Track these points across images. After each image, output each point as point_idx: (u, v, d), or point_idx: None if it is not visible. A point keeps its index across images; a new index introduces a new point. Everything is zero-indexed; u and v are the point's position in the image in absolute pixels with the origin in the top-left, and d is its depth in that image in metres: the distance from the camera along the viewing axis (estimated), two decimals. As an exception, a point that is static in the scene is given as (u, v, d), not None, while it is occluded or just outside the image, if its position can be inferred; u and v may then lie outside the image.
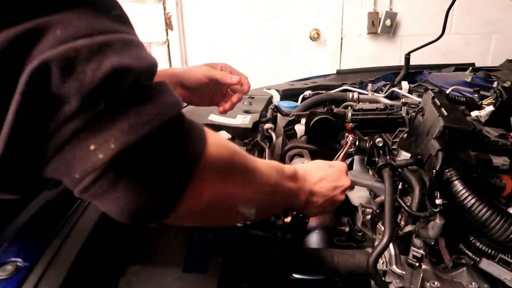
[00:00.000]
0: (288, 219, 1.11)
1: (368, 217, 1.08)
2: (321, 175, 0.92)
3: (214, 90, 1.26)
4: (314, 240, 1.12)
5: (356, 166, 1.17)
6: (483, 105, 1.14)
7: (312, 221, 1.18)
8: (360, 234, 1.09)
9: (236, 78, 1.20)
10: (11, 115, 0.43)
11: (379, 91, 1.83)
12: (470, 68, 2.02)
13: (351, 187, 1.24)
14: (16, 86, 0.42)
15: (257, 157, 0.73)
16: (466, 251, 0.81)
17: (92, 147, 0.45)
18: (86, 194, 0.48)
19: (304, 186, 0.86)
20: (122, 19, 0.52)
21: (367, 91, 1.77)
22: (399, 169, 0.93)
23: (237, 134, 1.34)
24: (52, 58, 0.42)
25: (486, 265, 0.78)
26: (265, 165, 0.72)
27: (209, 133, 0.57)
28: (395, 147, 1.06)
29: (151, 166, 0.49)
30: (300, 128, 1.44)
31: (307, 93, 1.76)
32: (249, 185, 0.67)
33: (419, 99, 1.48)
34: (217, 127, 1.33)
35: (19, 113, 0.42)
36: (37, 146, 0.46)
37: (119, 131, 0.45)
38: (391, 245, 0.87)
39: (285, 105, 1.68)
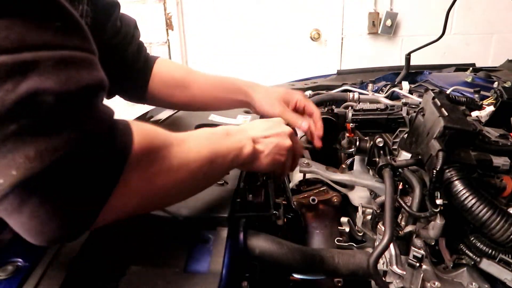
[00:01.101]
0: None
1: (369, 217, 1.08)
2: (258, 126, 0.88)
3: None
4: (314, 240, 1.13)
5: (356, 166, 1.17)
6: (483, 105, 1.14)
7: (313, 221, 1.18)
8: (360, 234, 1.09)
9: (306, 124, 1.18)
10: None
11: (380, 91, 1.83)
12: (471, 68, 2.02)
13: (351, 188, 1.25)
14: None
15: (185, 133, 0.71)
16: (467, 251, 0.81)
17: None
18: None
19: (244, 137, 0.81)
20: (71, 30, 0.48)
21: (367, 91, 1.77)
22: (400, 169, 0.93)
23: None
24: None
25: (486, 265, 0.78)
26: (194, 139, 0.70)
27: (137, 131, 0.56)
28: (396, 147, 1.06)
29: (62, 191, 0.46)
30: (300, 128, 1.44)
31: (308, 93, 1.76)
32: (179, 171, 0.64)
33: (420, 99, 1.48)
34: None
35: None
36: None
37: (23, 158, 0.43)
38: (391, 245, 0.87)
39: (286, 105, 1.68)
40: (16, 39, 0.42)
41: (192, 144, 0.68)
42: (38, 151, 0.43)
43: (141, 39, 1.19)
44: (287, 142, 0.89)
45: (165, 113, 1.42)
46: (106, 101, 0.55)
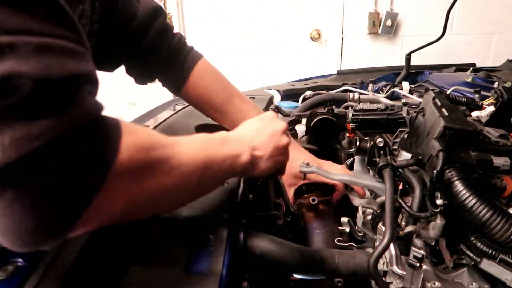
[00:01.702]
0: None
1: (369, 217, 1.08)
2: (254, 128, 0.86)
3: None
4: (315, 240, 1.12)
5: (356, 166, 1.17)
6: (483, 106, 1.14)
7: (313, 221, 1.18)
8: (360, 234, 1.09)
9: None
10: None
11: (380, 92, 1.83)
12: (471, 69, 2.02)
13: (350, 189, 1.25)
14: None
15: (180, 137, 0.67)
16: (467, 251, 0.81)
17: None
18: None
19: (242, 145, 0.79)
20: (58, 19, 0.46)
21: (367, 91, 1.77)
22: (400, 170, 0.93)
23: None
24: None
25: (486, 265, 0.78)
26: (189, 142, 0.66)
27: (127, 130, 0.52)
28: (396, 147, 1.05)
29: (41, 185, 0.43)
30: (300, 129, 1.44)
31: (308, 93, 1.76)
32: (170, 174, 0.60)
33: (420, 100, 1.48)
34: (217, 128, 1.33)
35: None
36: None
37: None
38: (391, 246, 0.87)
39: (286, 105, 1.68)
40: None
41: (186, 147, 0.64)
42: (14, 139, 0.40)
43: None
44: (284, 140, 0.88)
45: (165, 114, 1.42)
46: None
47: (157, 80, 1.18)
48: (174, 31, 1.15)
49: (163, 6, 3.19)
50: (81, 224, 0.48)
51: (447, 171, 0.78)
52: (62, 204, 0.45)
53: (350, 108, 1.23)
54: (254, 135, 0.84)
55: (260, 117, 0.92)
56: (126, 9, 1.02)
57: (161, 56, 1.11)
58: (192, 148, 0.66)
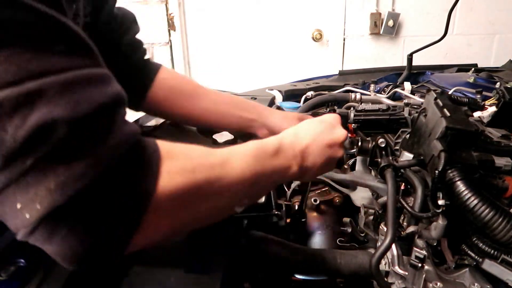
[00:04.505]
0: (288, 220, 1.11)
1: (371, 217, 1.08)
2: (311, 134, 0.82)
3: None
4: (316, 240, 1.12)
5: (358, 166, 1.17)
6: (485, 106, 1.14)
7: (315, 222, 1.18)
8: (362, 234, 1.09)
9: None
10: None
11: (382, 92, 1.83)
12: (473, 69, 2.02)
13: (353, 188, 1.25)
14: None
15: (231, 147, 0.65)
16: (469, 251, 0.81)
17: (18, 206, 0.42)
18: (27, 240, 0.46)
19: (293, 156, 0.76)
20: (74, 49, 0.47)
21: (369, 91, 1.77)
22: (402, 170, 0.93)
23: (240, 135, 1.34)
24: None
25: (488, 266, 0.78)
26: (239, 156, 0.64)
27: (167, 155, 0.52)
28: (398, 147, 1.05)
29: (89, 219, 0.45)
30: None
31: (310, 93, 1.76)
32: (220, 195, 0.60)
33: (422, 100, 1.48)
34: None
35: None
36: None
37: (45, 191, 0.42)
38: (393, 246, 0.87)
39: (288, 105, 1.68)
40: (17, 70, 0.41)
41: (237, 164, 0.62)
42: (59, 183, 0.42)
43: (143, 39, 1.14)
44: (339, 153, 0.86)
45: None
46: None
47: None
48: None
49: (164, 7, 3.20)
50: (130, 248, 0.51)
51: (449, 171, 0.78)
52: (111, 235, 0.47)
53: (352, 108, 1.23)
54: (310, 144, 0.80)
55: (321, 119, 0.89)
56: (112, 9, 1.02)
57: (131, 63, 1.09)
58: (243, 164, 0.63)
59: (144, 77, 1.11)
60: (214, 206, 0.60)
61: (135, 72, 1.09)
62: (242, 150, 0.66)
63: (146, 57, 1.15)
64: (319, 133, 0.84)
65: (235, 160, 0.62)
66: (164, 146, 0.53)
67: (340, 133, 0.88)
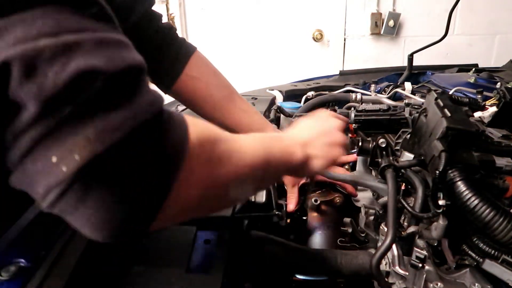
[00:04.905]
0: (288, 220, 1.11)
1: (371, 218, 1.08)
2: (307, 127, 0.86)
3: None
4: (317, 240, 1.12)
5: (359, 167, 1.17)
6: (486, 106, 1.14)
7: (315, 222, 1.18)
8: (363, 235, 1.09)
9: (293, 206, 1.15)
10: None
11: (382, 92, 1.83)
12: (473, 69, 2.02)
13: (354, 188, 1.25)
14: None
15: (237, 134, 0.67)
16: (469, 252, 0.81)
17: (54, 159, 0.40)
18: (53, 210, 0.44)
19: (295, 143, 0.78)
20: (103, 16, 0.48)
21: (370, 92, 1.77)
22: (402, 170, 0.93)
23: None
24: (13, 56, 0.39)
25: (489, 266, 0.78)
26: (246, 139, 0.67)
27: (191, 122, 0.53)
28: (398, 148, 1.05)
29: (126, 175, 0.44)
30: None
31: (310, 94, 1.76)
32: (238, 166, 0.61)
33: (422, 100, 1.48)
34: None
35: None
36: None
37: (84, 140, 0.40)
38: (394, 246, 0.87)
39: (288, 105, 1.68)
40: (54, 24, 0.42)
41: (247, 143, 0.65)
42: (98, 132, 0.41)
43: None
44: (339, 137, 0.87)
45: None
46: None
47: None
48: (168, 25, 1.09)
49: (165, 7, 3.20)
50: (162, 215, 0.49)
51: (450, 171, 0.78)
52: (149, 188, 0.46)
53: (352, 108, 1.23)
54: (307, 135, 0.83)
55: (314, 116, 0.91)
56: None
57: (148, 41, 1.03)
58: (251, 144, 0.66)
59: (171, 59, 1.07)
60: (235, 176, 0.60)
61: (159, 51, 1.06)
62: (247, 135, 0.69)
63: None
64: (313, 125, 0.86)
65: (243, 139, 0.65)
66: (185, 115, 0.54)
67: (334, 121, 0.90)
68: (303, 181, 1.23)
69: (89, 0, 0.46)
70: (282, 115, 1.56)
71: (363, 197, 1.23)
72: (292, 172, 0.83)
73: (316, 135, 0.83)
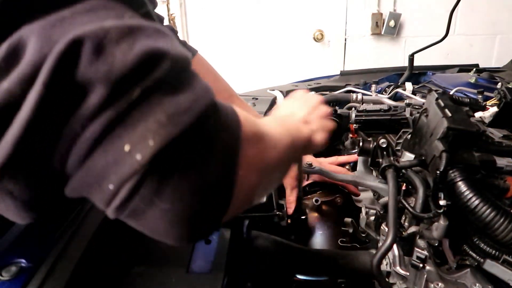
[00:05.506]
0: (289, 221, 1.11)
1: (372, 218, 1.08)
2: (296, 106, 0.87)
3: None
4: (318, 241, 1.13)
5: (360, 167, 1.17)
6: (487, 106, 1.14)
7: (316, 222, 1.18)
8: (363, 235, 1.09)
9: (291, 210, 1.14)
10: (26, 114, 0.36)
11: (383, 92, 1.83)
12: (474, 69, 2.01)
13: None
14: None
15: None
16: (470, 252, 0.81)
17: (126, 148, 0.38)
18: (123, 212, 0.41)
19: (297, 121, 0.80)
20: (151, 17, 0.50)
21: (370, 92, 1.77)
22: (403, 170, 0.93)
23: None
24: (84, 34, 0.37)
25: (490, 266, 0.78)
26: (271, 121, 0.70)
27: (237, 110, 0.52)
28: (399, 148, 1.05)
29: (198, 160, 0.42)
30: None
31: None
32: (276, 148, 0.60)
33: (423, 100, 1.48)
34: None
35: (39, 110, 0.36)
36: (55, 156, 0.38)
37: (156, 124, 0.38)
38: (394, 246, 0.87)
39: (289, 106, 1.68)
40: (115, 14, 0.42)
41: (272, 125, 0.64)
42: (170, 115, 0.39)
43: None
44: (326, 109, 0.89)
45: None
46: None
47: None
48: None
49: (165, 7, 3.20)
50: (233, 205, 0.48)
51: (450, 171, 0.78)
52: (220, 178, 0.45)
53: (353, 109, 1.23)
54: (299, 112, 0.84)
55: (292, 97, 0.94)
56: None
57: None
58: (276, 126, 0.65)
59: None
60: (279, 156, 0.60)
61: None
62: (264, 119, 0.71)
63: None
64: (299, 103, 0.88)
65: (269, 120, 0.68)
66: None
67: (314, 96, 0.93)
68: (305, 183, 1.23)
69: (141, 2, 0.48)
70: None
71: (364, 197, 1.23)
72: (304, 151, 0.82)
73: (308, 111, 0.85)
